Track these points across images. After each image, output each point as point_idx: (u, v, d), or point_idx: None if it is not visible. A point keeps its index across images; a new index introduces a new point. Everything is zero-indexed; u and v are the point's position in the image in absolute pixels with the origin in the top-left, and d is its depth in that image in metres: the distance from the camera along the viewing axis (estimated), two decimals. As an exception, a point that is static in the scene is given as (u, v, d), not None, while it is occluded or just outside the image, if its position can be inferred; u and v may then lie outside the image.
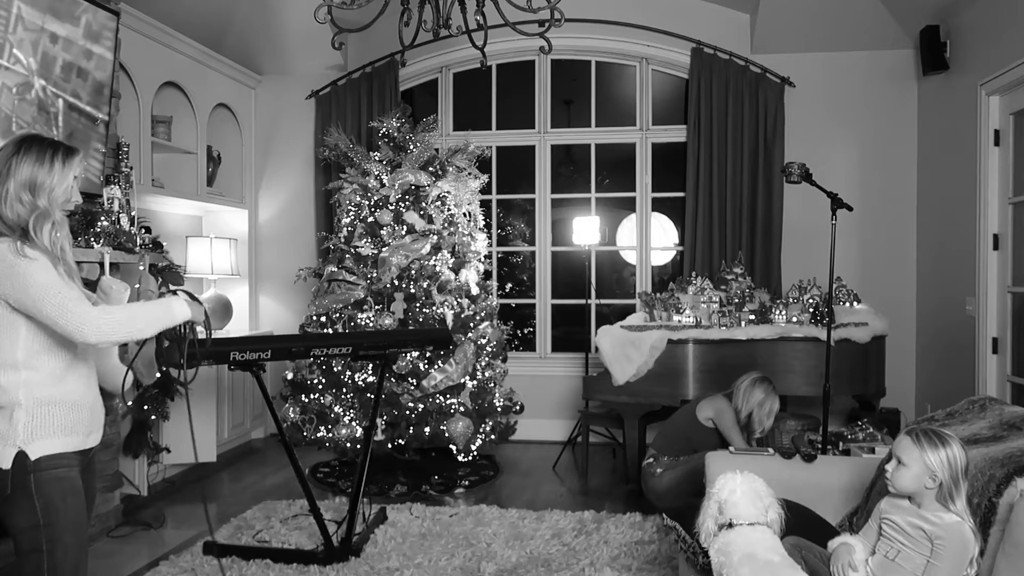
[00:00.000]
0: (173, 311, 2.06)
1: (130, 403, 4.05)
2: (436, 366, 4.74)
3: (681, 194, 5.82)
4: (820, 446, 3.58)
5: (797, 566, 2.04)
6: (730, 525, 2.09)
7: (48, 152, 2.02)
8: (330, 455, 5.24)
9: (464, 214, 5.27)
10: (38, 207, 1.97)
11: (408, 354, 4.67)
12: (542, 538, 3.72)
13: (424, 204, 5.05)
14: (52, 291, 1.89)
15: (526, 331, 6.42)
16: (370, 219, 5.02)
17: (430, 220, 5.05)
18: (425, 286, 4.88)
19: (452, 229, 5.12)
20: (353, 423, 4.69)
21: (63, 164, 2.03)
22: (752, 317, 4.65)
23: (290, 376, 4.96)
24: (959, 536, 1.91)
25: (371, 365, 4.72)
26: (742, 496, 2.11)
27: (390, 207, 4.99)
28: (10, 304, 1.92)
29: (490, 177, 5.96)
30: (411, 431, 4.67)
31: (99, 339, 1.91)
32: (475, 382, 4.90)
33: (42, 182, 1.99)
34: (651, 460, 3.94)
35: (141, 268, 3.96)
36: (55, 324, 1.90)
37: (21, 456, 1.93)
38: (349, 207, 5.13)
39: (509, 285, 6.52)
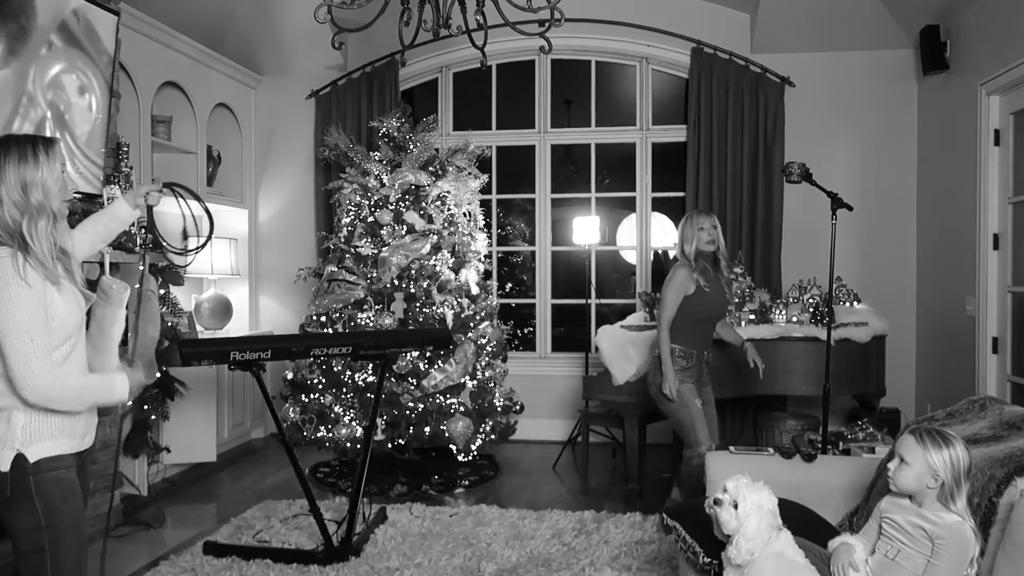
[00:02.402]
0: (114, 393, 2.05)
1: (130, 403, 4.05)
2: (436, 366, 4.74)
3: (681, 194, 5.82)
4: (820, 446, 3.58)
5: (816, 571, 2.04)
6: (779, 530, 2.08)
7: (28, 147, 1.98)
8: (330, 455, 5.24)
9: (464, 214, 5.27)
10: (31, 206, 1.94)
11: (408, 354, 4.67)
12: (542, 538, 3.72)
13: (424, 204, 5.05)
14: (23, 333, 1.86)
15: (526, 331, 6.42)
16: (370, 219, 5.02)
17: (430, 220, 5.05)
18: (425, 286, 4.88)
19: (452, 229, 5.12)
20: (353, 423, 4.69)
21: (47, 155, 1.99)
22: (752, 317, 4.65)
23: (290, 376, 4.96)
24: (960, 536, 1.91)
25: (371, 365, 4.72)
26: (774, 502, 2.10)
27: (390, 207, 4.99)
28: None
29: (490, 177, 5.96)
30: (411, 431, 4.67)
31: (37, 401, 1.91)
32: (475, 382, 4.90)
33: (32, 179, 1.95)
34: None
35: (141, 268, 3.95)
36: (8, 365, 1.88)
37: (20, 459, 1.93)
38: (349, 207, 5.13)
39: (509, 285, 6.52)
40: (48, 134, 3.56)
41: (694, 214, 3.76)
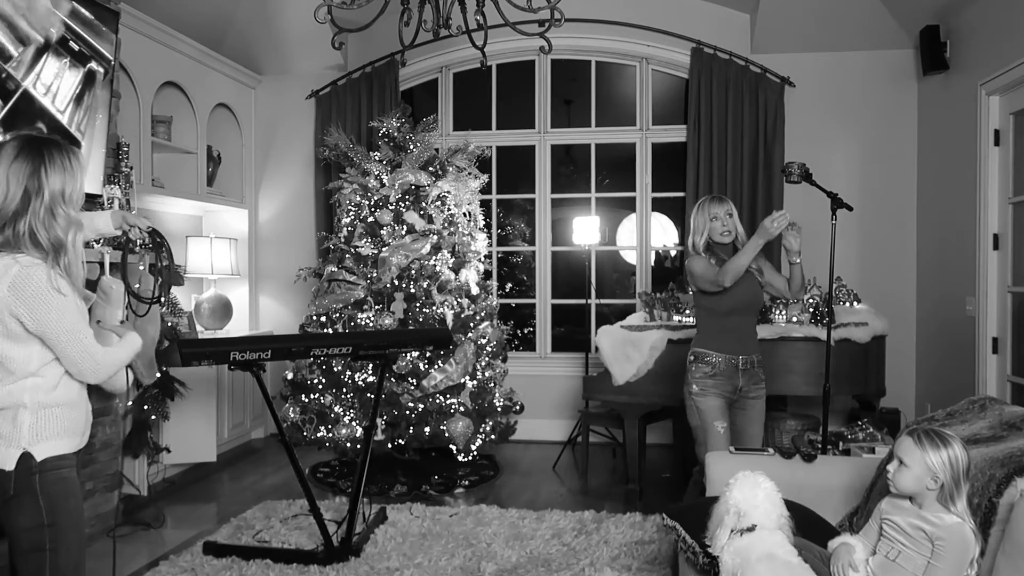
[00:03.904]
0: (135, 344, 2.16)
1: (130, 403, 4.05)
2: (436, 366, 4.74)
3: (681, 194, 5.82)
4: (820, 446, 3.57)
5: (812, 571, 2.04)
6: (750, 529, 2.08)
7: (67, 157, 1.99)
8: (330, 455, 5.24)
9: (464, 214, 5.27)
10: (71, 217, 1.97)
11: (408, 354, 4.67)
12: (542, 538, 3.72)
13: (424, 204, 5.05)
14: (77, 334, 1.96)
15: (526, 331, 6.42)
16: (370, 219, 5.02)
17: (430, 220, 5.05)
18: (425, 286, 4.88)
19: (452, 229, 5.12)
20: (353, 423, 4.69)
21: (77, 164, 2.02)
22: (752, 317, 4.64)
23: (290, 376, 4.96)
24: (960, 537, 1.91)
25: (371, 365, 4.72)
26: (763, 501, 2.10)
27: (390, 207, 5.00)
28: (25, 326, 1.92)
29: (490, 177, 5.96)
30: (411, 431, 4.67)
31: (98, 381, 2.05)
32: (475, 382, 4.90)
33: (69, 191, 1.98)
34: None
35: (141, 268, 3.96)
36: (73, 364, 1.98)
37: (26, 457, 1.94)
38: (349, 207, 5.13)
39: (509, 285, 6.52)
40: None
41: (706, 201, 3.40)
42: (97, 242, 3.72)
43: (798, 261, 3.37)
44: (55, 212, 1.94)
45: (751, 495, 2.10)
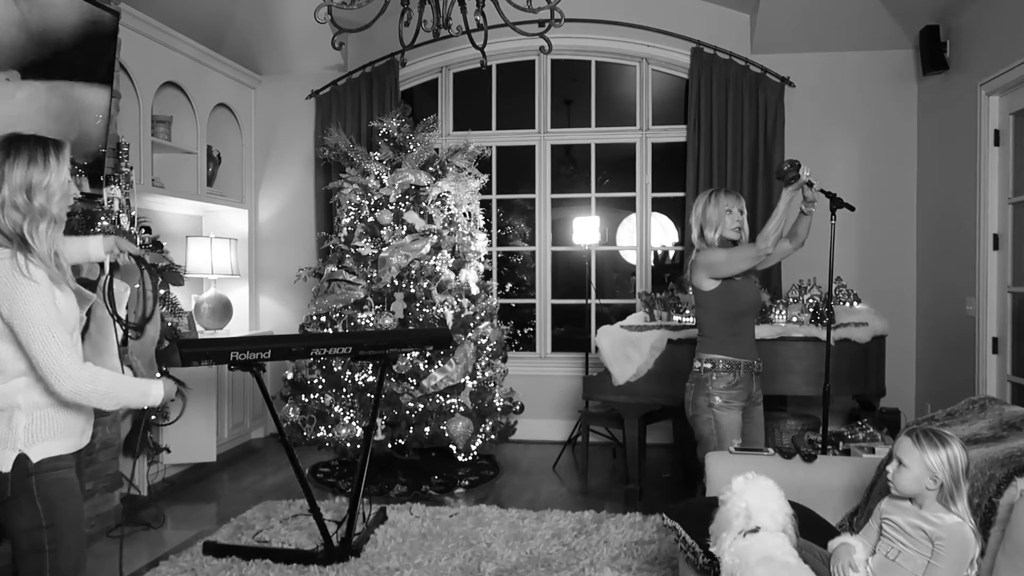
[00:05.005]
0: (149, 396, 2.09)
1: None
2: (436, 366, 4.74)
3: (681, 194, 5.82)
4: (820, 446, 3.57)
5: (811, 571, 2.04)
6: (754, 531, 2.08)
7: (39, 150, 1.98)
8: (330, 455, 5.24)
9: (464, 214, 5.27)
10: (33, 209, 1.95)
11: (408, 354, 4.67)
12: (542, 538, 3.72)
13: (424, 204, 5.05)
14: (45, 332, 1.89)
15: (526, 331, 6.42)
16: (370, 219, 5.02)
17: (430, 220, 5.05)
18: (425, 286, 4.88)
19: (452, 229, 5.12)
20: (353, 423, 4.69)
21: (57, 159, 2.00)
22: (752, 317, 4.64)
23: (290, 376, 4.96)
24: (960, 537, 1.91)
25: (371, 365, 4.72)
26: (770, 503, 2.09)
27: (390, 207, 5.00)
28: (2, 316, 1.92)
29: (490, 177, 5.96)
30: (411, 431, 4.67)
31: (71, 397, 1.94)
32: (475, 382, 4.90)
33: (38, 182, 1.96)
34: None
35: (137, 287, 3.95)
36: (37, 365, 1.90)
37: (22, 459, 1.94)
38: (349, 207, 5.13)
39: (509, 285, 6.52)
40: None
41: (720, 194, 3.19)
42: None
43: (813, 210, 3.26)
44: (16, 203, 1.93)
45: (761, 498, 2.10)
